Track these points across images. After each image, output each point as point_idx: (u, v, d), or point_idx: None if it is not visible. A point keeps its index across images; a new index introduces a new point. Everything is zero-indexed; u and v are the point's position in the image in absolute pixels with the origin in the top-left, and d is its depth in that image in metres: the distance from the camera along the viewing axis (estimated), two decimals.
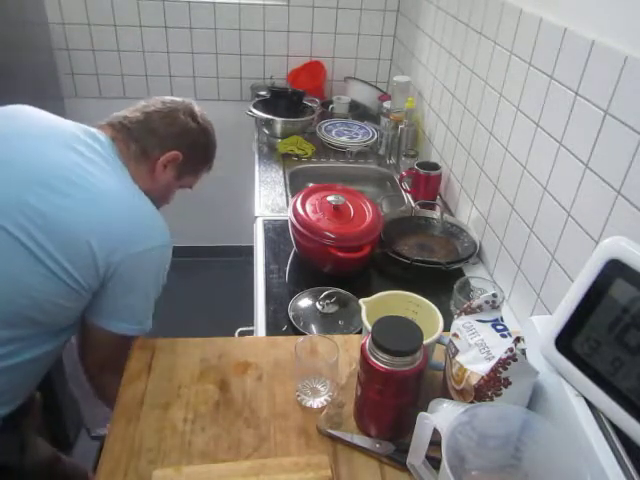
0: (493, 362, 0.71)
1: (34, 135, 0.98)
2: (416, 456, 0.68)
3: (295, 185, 1.78)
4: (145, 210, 1.01)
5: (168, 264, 1.04)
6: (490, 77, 1.36)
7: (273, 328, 1.13)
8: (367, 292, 0.95)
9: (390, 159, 1.94)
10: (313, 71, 2.38)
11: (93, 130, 1.04)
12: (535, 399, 0.74)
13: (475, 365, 0.74)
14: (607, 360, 0.65)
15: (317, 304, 1.16)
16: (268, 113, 2.02)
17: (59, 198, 0.90)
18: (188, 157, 1.12)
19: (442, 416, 0.63)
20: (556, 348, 0.70)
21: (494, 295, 0.81)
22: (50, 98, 2.12)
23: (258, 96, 2.21)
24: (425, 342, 0.74)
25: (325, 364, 0.85)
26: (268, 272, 1.31)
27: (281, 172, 1.84)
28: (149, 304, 1.03)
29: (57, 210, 0.89)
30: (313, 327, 1.12)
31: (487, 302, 0.80)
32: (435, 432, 0.63)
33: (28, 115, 1.03)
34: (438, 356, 0.90)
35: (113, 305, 0.98)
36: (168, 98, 1.13)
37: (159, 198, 1.14)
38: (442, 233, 1.49)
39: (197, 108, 1.15)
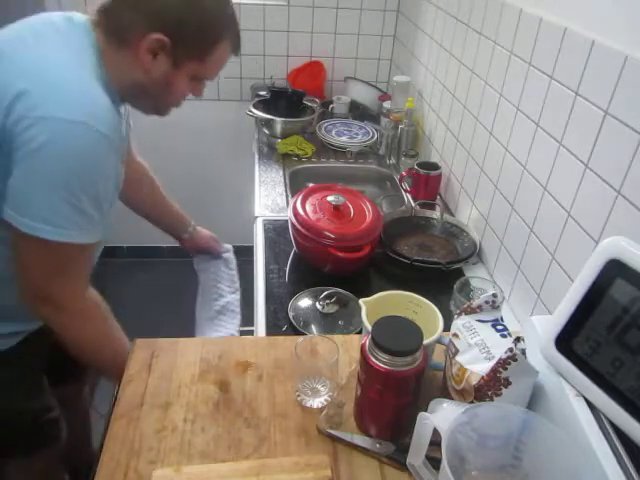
0: (493, 362, 0.71)
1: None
2: (416, 456, 0.68)
3: (295, 185, 1.78)
4: (73, 79, 0.84)
5: (92, 158, 0.84)
6: (490, 77, 1.36)
7: (273, 328, 1.13)
8: (367, 292, 0.95)
9: (390, 159, 1.94)
10: (313, 71, 2.38)
11: (73, 14, 0.94)
12: (535, 399, 0.74)
13: (475, 365, 0.74)
14: (607, 360, 0.64)
15: (317, 304, 1.16)
16: (268, 113, 2.02)
17: None
18: (178, 39, 0.91)
19: (442, 416, 0.63)
20: (556, 348, 0.70)
21: (494, 295, 0.81)
22: None
23: (258, 96, 2.21)
24: (425, 342, 0.74)
25: (325, 364, 0.85)
26: (268, 272, 1.31)
27: (281, 172, 1.84)
28: (46, 198, 0.82)
29: None
30: (313, 327, 1.12)
31: (487, 302, 0.80)
32: (435, 432, 0.63)
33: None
34: (438, 356, 0.90)
35: (10, 184, 0.83)
36: None
37: (163, 95, 1.00)
38: (442, 233, 1.49)
39: None
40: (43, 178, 0.81)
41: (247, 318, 1.32)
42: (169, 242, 1.55)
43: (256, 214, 1.58)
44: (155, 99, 1.01)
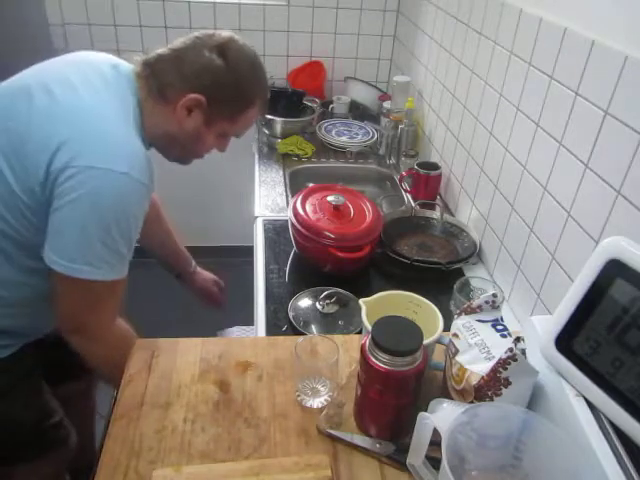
0: (493, 362, 0.71)
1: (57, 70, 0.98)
2: (416, 456, 0.68)
3: (295, 185, 1.78)
4: (116, 131, 0.90)
5: (131, 206, 0.90)
6: (490, 77, 1.36)
7: (273, 328, 1.13)
8: (367, 292, 0.95)
9: (390, 159, 1.94)
10: (313, 71, 2.38)
11: (119, 62, 1.02)
12: (535, 399, 0.74)
13: (475, 365, 0.74)
14: (607, 360, 0.64)
15: (317, 304, 1.16)
16: (268, 113, 2.02)
17: (25, 104, 0.89)
18: (214, 100, 0.98)
19: (442, 416, 0.63)
20: (556, 348, 0.70)
21: (494, 295, 0.81)
22: None
23: None
24: (425, 342, 0.74)
25: (325, 364, 0.85)
26: (268, 272, 1.31)
27: (281, 172, 1.84)
28: (85, 242, 0.87)
29: (17, 114, 0.89)
30: (313, 327, 1.12)
31: (487, 302, 0.80)
32: (435, 432, 0.63)
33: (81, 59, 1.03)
34: (438, 356, 0.90)
35: (50, 228, 0.88)
36: (203, 32, 1.01)
37: (191, 147, 1.07)
38: (442, 233, 1.49)
39: (231, 42, 1.00)
40: (85, 224, 0.86)
41: (246, 318, 1.32)
42: None
43: (256, 214, 1.58)
44: (182, 150, 1.07)
